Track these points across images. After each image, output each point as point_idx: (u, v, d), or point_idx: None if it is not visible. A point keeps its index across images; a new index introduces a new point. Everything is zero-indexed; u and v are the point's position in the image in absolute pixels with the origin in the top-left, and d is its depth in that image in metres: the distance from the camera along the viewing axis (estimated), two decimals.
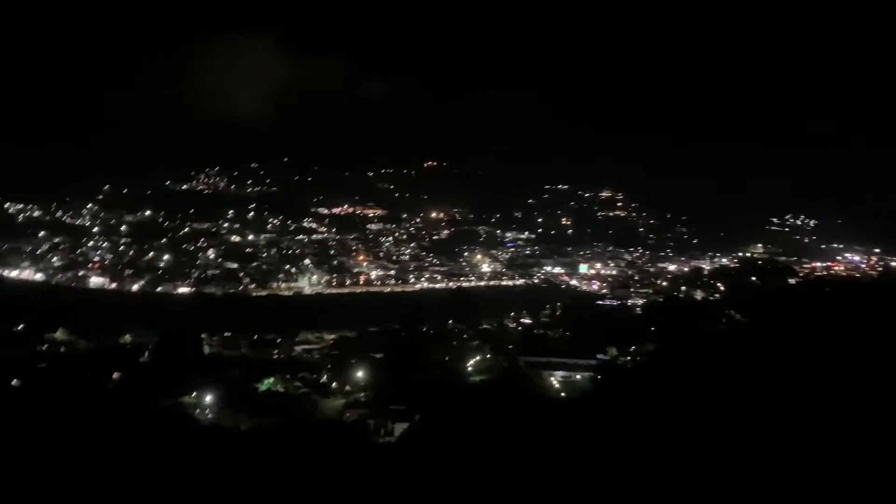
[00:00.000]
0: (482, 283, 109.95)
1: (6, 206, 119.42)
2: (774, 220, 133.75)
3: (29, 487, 16.47)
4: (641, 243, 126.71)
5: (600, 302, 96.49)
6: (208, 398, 50.54)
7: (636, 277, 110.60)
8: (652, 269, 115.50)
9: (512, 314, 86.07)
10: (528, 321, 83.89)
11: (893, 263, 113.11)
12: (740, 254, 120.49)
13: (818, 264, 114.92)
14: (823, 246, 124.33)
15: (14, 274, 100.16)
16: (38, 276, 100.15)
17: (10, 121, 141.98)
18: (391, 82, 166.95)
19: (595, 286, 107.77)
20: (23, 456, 18.81)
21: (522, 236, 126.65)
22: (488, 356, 65.98)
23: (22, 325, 70.00)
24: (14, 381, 44.20)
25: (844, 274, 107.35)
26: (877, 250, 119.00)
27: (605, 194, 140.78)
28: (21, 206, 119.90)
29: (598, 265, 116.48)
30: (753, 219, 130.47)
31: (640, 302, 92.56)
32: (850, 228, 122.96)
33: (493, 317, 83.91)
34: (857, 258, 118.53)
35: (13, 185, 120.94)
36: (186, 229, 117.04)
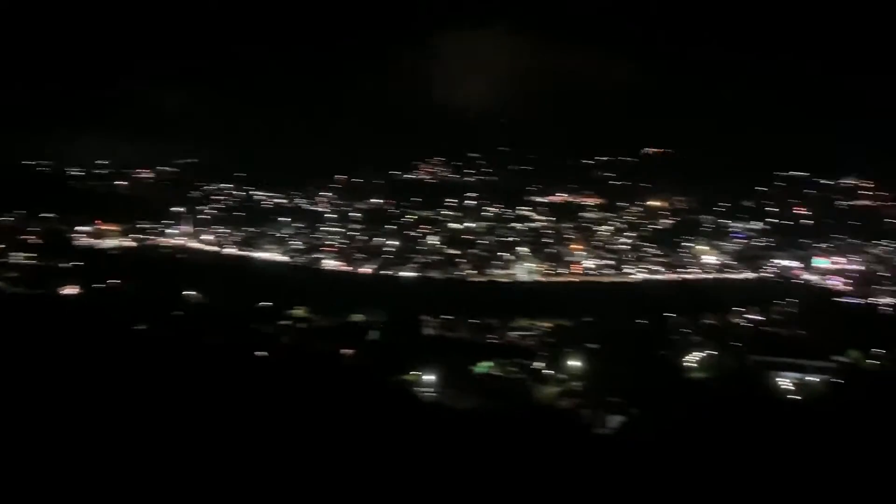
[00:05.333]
0: (706, 276, 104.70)
1: (253, 193, 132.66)
2: None
3: (271, 448, 18.08)
4: (893, 237, 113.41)
5: (841, 300, 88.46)
6: (429, 377, 52.87)
7: (884, 274, 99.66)
8: None
9: (739, 310, 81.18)
10: (757, 318, 78.81)
11: None
12: None
13: None
14: None
15: (261, 255, 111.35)
16: (281, 258, 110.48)
17: (249, 117, 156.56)
18: (609, 71, 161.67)
19: (835, 282, 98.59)
20: (268, 423, 20.79)
21: (752, 227, 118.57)
22: (712, 353, 62.99)
23: (267, 302, 77.62)
24: (260, 352, 49.19)
25: None
26: None
27: (848, 182, 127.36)
28: (266, 194, 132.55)
29: (839, 259, 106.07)
30: None
31: (890, 301, 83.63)
32: None
33: (718, 312, 79.74)
34: None
35: (258, 175, 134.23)
36: (411, 216, 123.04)
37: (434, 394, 50.15)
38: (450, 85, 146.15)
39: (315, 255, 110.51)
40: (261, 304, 76.85)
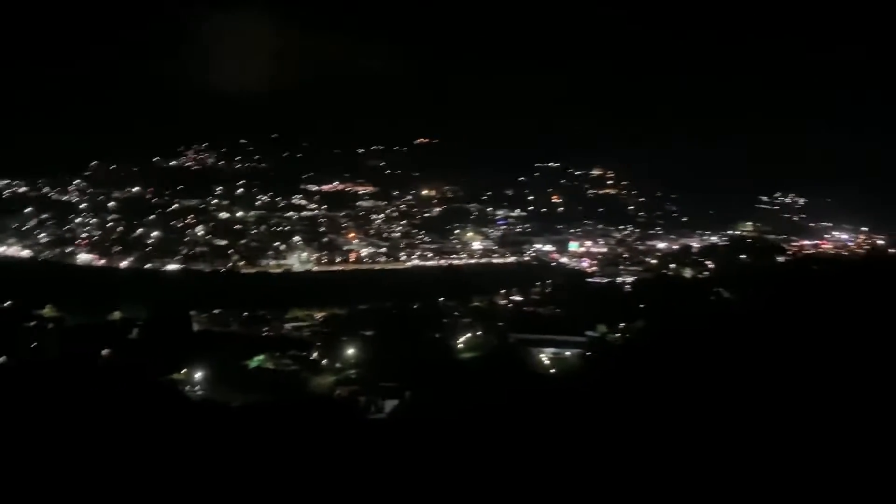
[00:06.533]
0: (473, 261, 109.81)
1: None
2: (764, 198, 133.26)
3: (19, 466, 16.45)
4: (631, 221, 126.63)
5: (590, 280, 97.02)
6: (198, 375, 50.64)
7: (626, 255, 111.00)
8: (641, 247, 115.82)
9: (503, 291, 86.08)
10: (518, 298, 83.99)
11: (881, 242, 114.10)
12: (730, 232, 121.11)
13: (807, 242, 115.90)
14: (812, 224, 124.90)
15: (0, 250, 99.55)
16: (25, 253, 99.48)
17: None
18: (382, 58, 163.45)
19: (585, 264, 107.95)
20: (14, 434, 18.75)
21: (513, 214, 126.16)
22: (479, 333, 66.23)
23: (8, 302, 69.59)
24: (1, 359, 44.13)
25: (833, 252, 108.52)
26: (865, 229, 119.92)
27: (595, 172, 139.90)
28: (6, 181, 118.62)
29: (588, 243, 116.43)
30: (743, 197, 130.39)
31: (630, 279, 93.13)
32: (838, 207, 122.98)
33: (485, 294, 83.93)
34: (845, 236, 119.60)
35: None
36: (175, 206, 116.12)
37: (204, 392, 48.25)
38: (217, 69, 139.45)
39: (66, 249, 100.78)
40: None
